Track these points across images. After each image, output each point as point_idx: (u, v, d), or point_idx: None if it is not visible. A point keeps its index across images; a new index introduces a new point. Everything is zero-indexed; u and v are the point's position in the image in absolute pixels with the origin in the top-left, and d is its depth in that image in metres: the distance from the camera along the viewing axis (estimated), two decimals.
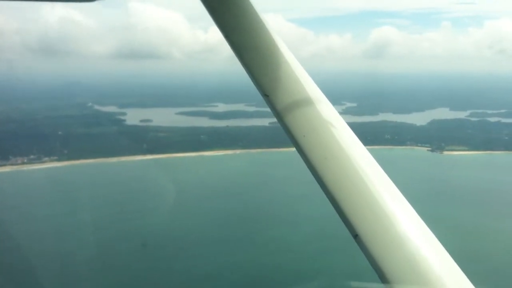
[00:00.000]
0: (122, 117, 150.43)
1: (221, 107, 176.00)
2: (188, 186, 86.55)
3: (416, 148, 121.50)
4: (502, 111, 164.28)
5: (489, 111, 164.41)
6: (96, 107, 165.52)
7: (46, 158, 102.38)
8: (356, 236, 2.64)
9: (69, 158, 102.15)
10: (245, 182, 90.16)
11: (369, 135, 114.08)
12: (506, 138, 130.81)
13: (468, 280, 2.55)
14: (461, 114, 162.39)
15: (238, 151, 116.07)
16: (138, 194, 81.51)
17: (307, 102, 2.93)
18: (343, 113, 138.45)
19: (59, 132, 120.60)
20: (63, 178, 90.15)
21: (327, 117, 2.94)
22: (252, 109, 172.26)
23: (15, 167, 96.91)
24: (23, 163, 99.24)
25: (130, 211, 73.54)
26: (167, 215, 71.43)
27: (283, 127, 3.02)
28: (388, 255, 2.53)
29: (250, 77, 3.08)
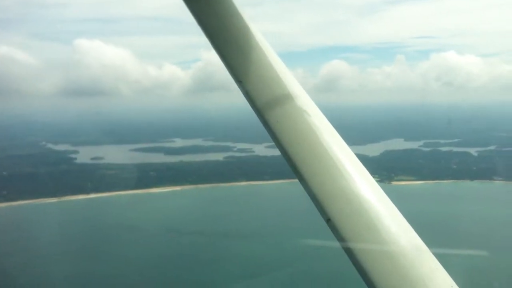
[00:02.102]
0: (73, 156, 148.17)
1: (178, 143, 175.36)
2: (118, 226, 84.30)
3: None
4: (455, 140, 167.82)
5: (442, 141, 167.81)
6: (49, 145, 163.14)
7: None
8: (328, 220, 2.67)
9: (7, 200, 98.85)
10: (179, 221, 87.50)
11: None
12: (455, 167, 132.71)
13: (436, 259, 2.59)
14: (415, 145, 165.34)
15: (186, 187, 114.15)
16: (63, 236, 78.60)
17: (281, 89, 2.90)
18: None
19: (4, 173, 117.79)
20: None
21: (301, 104, 2.89)
22: (209, 143, 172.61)
23: None
24: None
25: (51, 253, 70.90)
26: (87, 258, 69.39)
27: (256, 113, 2.96)
28: (359, 238, 2.56)
29: (223, 63, 2.98)
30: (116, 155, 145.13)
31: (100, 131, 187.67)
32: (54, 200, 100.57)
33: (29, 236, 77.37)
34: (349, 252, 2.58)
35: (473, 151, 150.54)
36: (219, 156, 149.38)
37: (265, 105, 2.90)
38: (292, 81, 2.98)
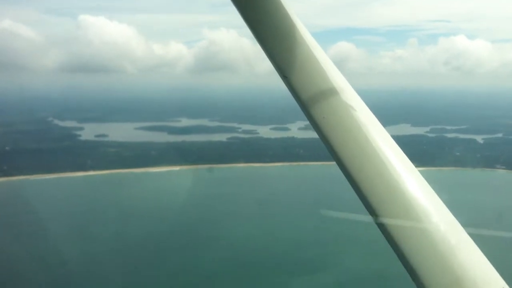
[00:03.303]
0: (78, 132, 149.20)
1: (183, 122, 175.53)
2: (106, 204, 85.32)
3: None
4: (463, 127, 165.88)
5: (449, 127, 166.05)
6: (56, 121, 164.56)
7: None
8: (376, 217, 2.67)
9: (6, 175, 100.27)
10: (166, 200, 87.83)
11: (316, 153, 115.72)
12: (458, 154, 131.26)
13: (483, 254, 2.55)
14: (421, 130, 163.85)
15: (185, 167, 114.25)
16: (49, 212, 79.23)
17: (326, 84, 2.89)
18: (305, 128, 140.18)
19: (6, 148, 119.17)
20: None
21: (347, 99, 2.88)
22: (215, 124, 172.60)
23: None
24: None
25: (34, 231, 71.85)
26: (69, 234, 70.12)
27: (302, 109, 2.95)
28: (408, 236, 2.56)
29: (268, 59, 2.98)
30: (120, 132, 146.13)
31: (107, 109, 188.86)
32: (52, 176, 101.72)
33: (15, 212, 78.48)
34: (398, 251, 2.56)
35: (479, 138, 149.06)
36: (223, 137, 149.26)
37: (311, 100, 2.88)
38: (337, 75, 2.95)
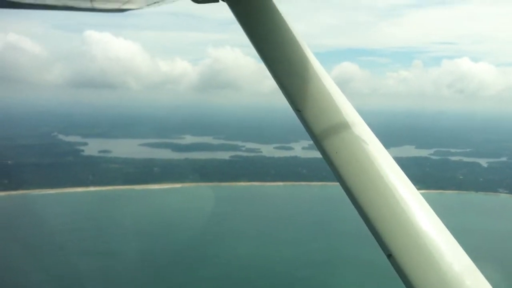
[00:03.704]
0: (82, 148, 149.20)
1: (188, 139, 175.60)
2: (101, 221, 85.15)
3: None
4: (467, 150, 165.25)
5: (453, 150, 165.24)
6: (60, 136, 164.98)
7: None
8: (389, 255, 2.64)
9: (6, 189, 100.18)
10: (162, 220, 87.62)
11: (316, 175, 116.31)
12: (461, 177, 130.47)
13: (488, 283, 2.56)
14: (425, 152, 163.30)
15: (186, 185, 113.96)
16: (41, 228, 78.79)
17: (339, 118, 2.94)
18: (309, 148, 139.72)
19: (8, 162, 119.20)
20: None
21: (359, 133, 2.93)
22: (219, 142, 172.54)
23: None
24: None
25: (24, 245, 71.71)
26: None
27: (315, 142, 2.99)
28: (421, 275, 2.54)
29: (282, 92, 3.07)
30: (124, 149, 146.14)
31: (111, 125, 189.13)
32: (52, 191, 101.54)
33: (15, 226, 78.21)
34: (403, 276, 2.55)
35: (484, 161, 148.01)
36: (226, 155, 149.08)
37: (324, 135, 2.91)
38: (350, 109, 2.98)
